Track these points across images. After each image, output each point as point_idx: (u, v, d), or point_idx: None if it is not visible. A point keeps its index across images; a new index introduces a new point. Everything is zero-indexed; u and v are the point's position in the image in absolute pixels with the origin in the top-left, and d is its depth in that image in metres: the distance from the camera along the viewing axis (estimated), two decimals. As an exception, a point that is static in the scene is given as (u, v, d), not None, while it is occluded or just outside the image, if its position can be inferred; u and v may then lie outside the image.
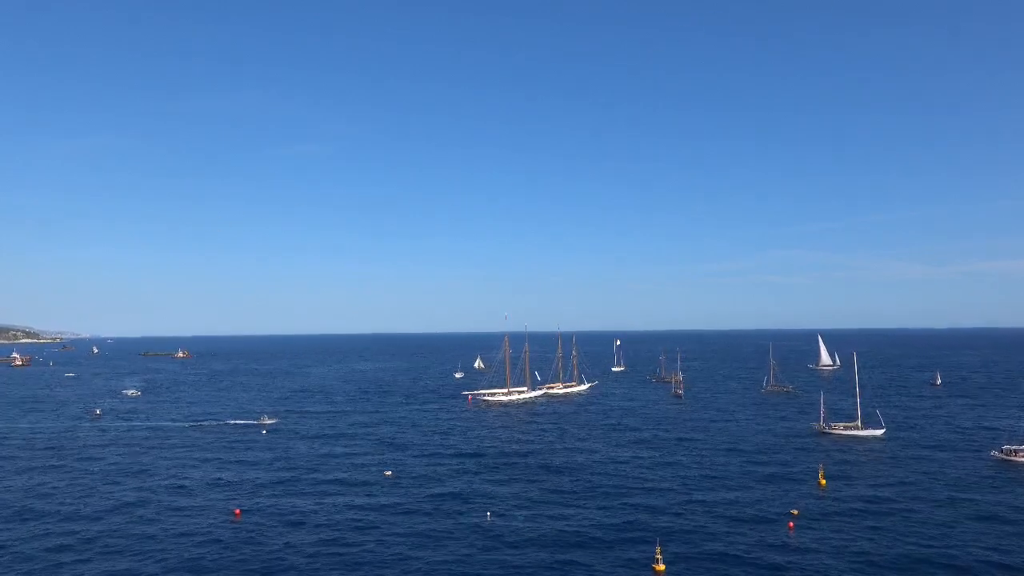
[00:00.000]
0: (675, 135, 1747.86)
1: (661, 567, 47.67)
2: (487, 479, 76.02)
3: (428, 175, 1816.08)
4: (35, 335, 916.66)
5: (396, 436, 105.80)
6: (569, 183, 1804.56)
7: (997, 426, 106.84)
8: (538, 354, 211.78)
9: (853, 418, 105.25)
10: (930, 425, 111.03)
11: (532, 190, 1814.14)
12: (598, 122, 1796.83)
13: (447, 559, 50.54)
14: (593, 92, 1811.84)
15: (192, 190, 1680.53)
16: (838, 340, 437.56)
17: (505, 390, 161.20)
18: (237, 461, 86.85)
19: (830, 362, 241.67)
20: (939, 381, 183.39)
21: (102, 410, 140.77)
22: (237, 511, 62.78)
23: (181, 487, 73.10)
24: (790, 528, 56.38)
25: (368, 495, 69.12)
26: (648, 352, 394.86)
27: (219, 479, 76.81)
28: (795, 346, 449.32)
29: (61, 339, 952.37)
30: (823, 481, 71.73)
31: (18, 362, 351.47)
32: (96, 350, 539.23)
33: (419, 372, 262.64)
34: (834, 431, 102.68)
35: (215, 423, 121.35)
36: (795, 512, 60.66)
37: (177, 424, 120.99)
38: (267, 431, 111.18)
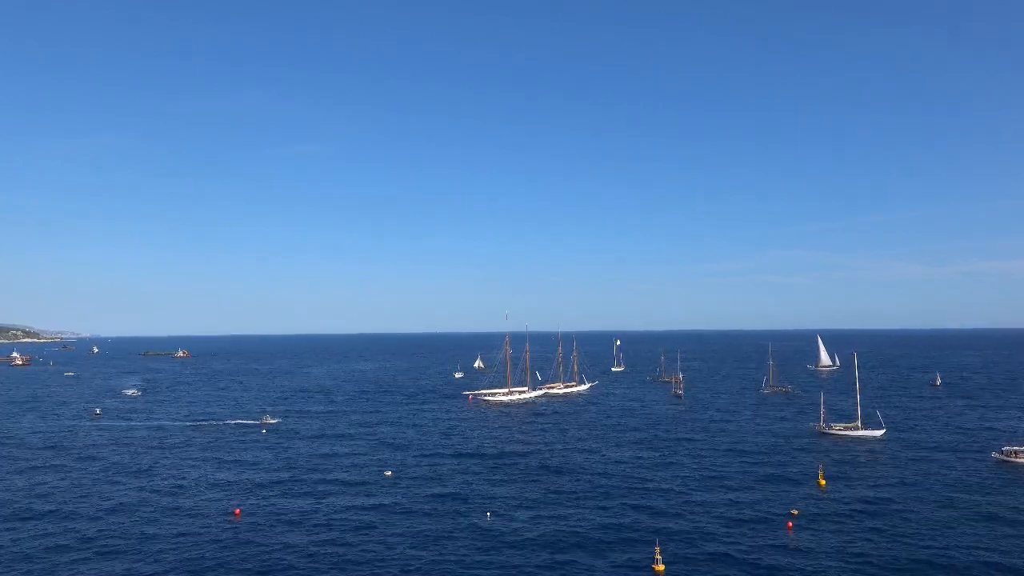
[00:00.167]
0: (675, 135, 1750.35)
1: (661, 567, 47.67)
2: (487, 479, 76.02)
3: (428, 175, 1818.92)
4: (35, 335, 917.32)
5: (396, 436, 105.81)
6: (569, 183, 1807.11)
7: (997, 427, 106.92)
8: (538, 354, 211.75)
9: (853, 418, 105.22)
10: (930, 426, 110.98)
11: (532, 190, 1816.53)
12: (598, 122, 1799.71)
13: (447, 559, 50.53)
14: (593, 92, 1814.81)
15: (192, 190, 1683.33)
16: (838, 340, 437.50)
17: (506, 390, 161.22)
18: (237, 461, 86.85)
19: (829, 362, 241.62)
20: (939, 382, 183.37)
21: (102, 410, 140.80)
22: (237, 511, 62.78)
23: (181, 487, 73.11)
24: (789, 529, 56.39)
25: (368, 495, 69.11)
26: (648, 352, 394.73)
27: (219, 479, 76.82)
28: (795, 346, 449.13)
29: (61, 339, 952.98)
30: (823, 482, 71.71)
31: (18, 362, 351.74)
32: (96, 350, 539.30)
33: (419, 372, 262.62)
34: (834, 432, 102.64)
35: (215, 423, 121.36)
36: (795, 512, 60.64)
37: (177, 424, 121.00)
38: (267, 431, 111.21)
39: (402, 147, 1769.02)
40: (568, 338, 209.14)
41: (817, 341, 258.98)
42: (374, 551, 52.41)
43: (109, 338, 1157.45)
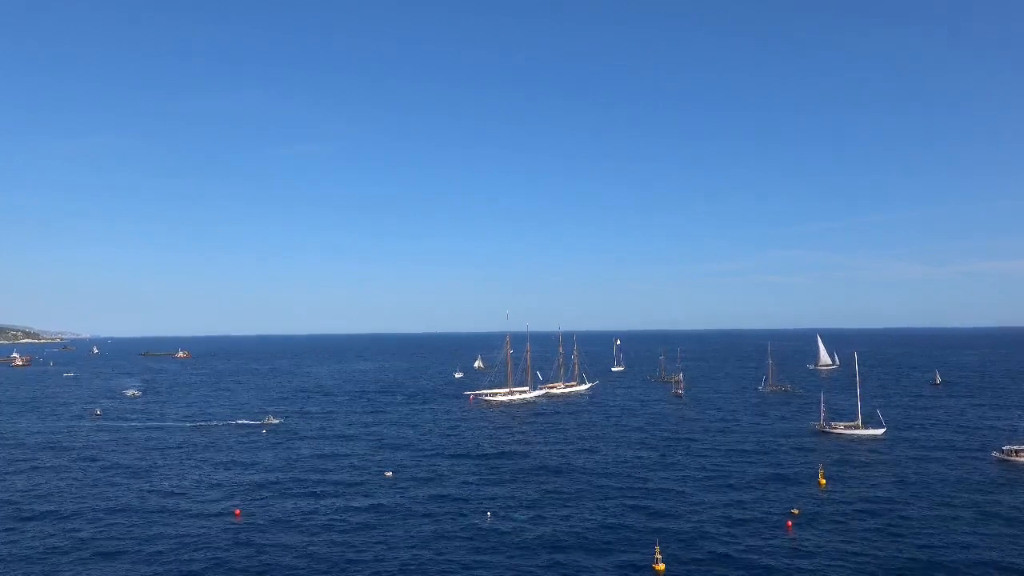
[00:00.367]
0: (675, 135, 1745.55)
1: (661, 567, 47.67)
2: (487, 479, 76.02)
3: (428, 175, 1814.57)
4: (35, 335, 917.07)
5: (396, 436, 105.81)
6: (569, 183, 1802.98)
7: (997, 426, 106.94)
8: (538, 354, 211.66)
9: (853, 417, 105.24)
10: (930, 425, 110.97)
11: (532, 190, 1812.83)
12: (598, 122, 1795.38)
13: (447, 559, 50.52)
14: (593, 92, 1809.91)
15: (192, 190, 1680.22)
16: (837, 340, 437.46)
17: (507, 390, 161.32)
18: (237, 461, 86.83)
19: (829, 362, 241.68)
20: (939, 380, 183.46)
21: (102, 410, 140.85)
22: (237, 511, 62.77)
23: (181, 487, 73.09)
24: (789, 528, 56.39)
25: (368, 495, 69.09)
26: (648, 352, 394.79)
27: (219, 479, 76.80)
28: (795, 346, 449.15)
29: (61, 339, 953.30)
30: (823, 481, 71.71)
31: (18, 362, 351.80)
32: (96, 350, 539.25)
33: (419, 372, 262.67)
34: (834, 431, 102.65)
35: (215, 423, 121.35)
36: (795, 512, 60.66)
37: (177, 424, 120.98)
38: (267, 431, 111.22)
39: (402, 147, 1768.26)
40: (568, 338, 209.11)
41: (817, 341, 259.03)
42: (374, 551, 52.40)
43: (109, 338, 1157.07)
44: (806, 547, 51.92)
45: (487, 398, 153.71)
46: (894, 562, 48.75)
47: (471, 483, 74.17)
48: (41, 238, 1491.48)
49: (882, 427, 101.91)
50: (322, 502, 66.63)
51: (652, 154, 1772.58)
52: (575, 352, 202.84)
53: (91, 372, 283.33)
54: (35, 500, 68.61)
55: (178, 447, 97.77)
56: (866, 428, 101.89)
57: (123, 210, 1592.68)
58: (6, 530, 58.68)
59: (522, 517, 60.76)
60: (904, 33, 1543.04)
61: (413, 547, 53.24)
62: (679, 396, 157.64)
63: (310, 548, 53.10)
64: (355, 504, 65.76)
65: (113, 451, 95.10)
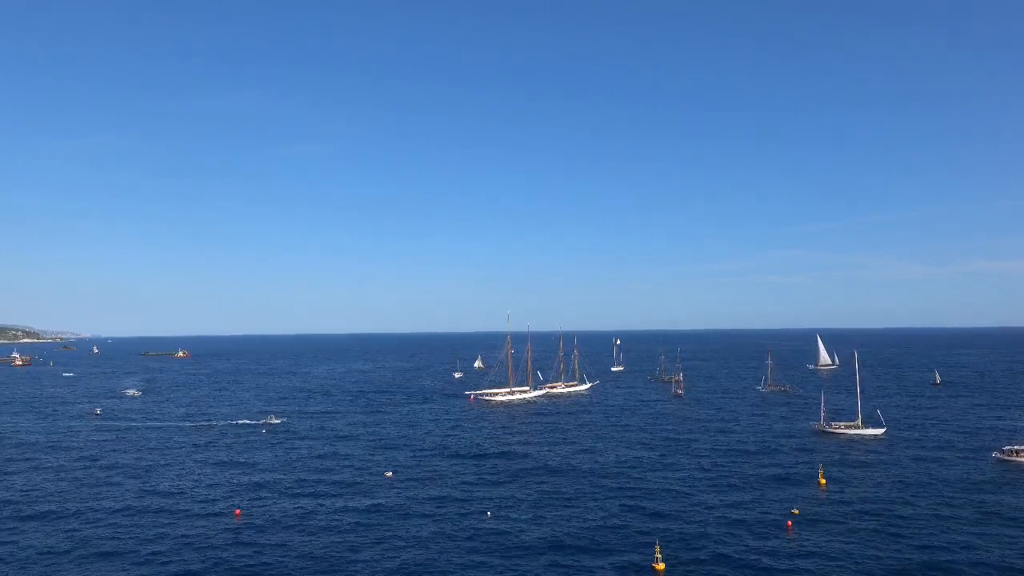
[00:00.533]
0: (675, 135, 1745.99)
1: (661, 567, 47.67)
2: (487, 479, 76.01)
3: (428, 175, 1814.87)
4: (35, 335, 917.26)
5: (396, 436, 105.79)
6: (569, 183, 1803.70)
7: (997, 426, 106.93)
8: (538, 354, 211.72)
9: (853, 418, 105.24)
10: (930, 425, 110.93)
11: (532, 190, 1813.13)
12: (598, 122, 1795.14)
13: (447, 559, 50.51)
14: (593, 92, 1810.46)
15: (192, 190, 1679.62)
16: (837, 340, 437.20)
17: (507, 390, 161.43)
18: (237, 461, 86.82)
19: (829, 362, 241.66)
20: (939, 380, 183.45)
21: (102, 410, 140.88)
22: (237, 511, 62.77)
23: (181, 487, 73.08)
24: (789, 528, 56.37)
25: (368, 496, 69.08)
26: (648, 352, 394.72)
27: (219, 479, 76.79)
28: (795, 346, 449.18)
29: (61, 339, 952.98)
30: (823, 481, 71.70)
31: (18, 362, 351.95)
32: (96, 350, 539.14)
33: (419, 372, 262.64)
34: (835, 431, 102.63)
35: (215, 423, 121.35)
36: (795, 512, 60.66)
37: (177, 424, 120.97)
38: (267, 431, 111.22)
39: (402, 147, 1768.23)
40: (568, 338, 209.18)
41: (817, 341, 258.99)
42: (374, 551, 52.38)
43: (109, 338, 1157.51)
44: (806, 547, 51.90)
45: (487, 398, 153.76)
46: (894, 562, 48.74)
47: (471, 483, 74.16)
48: (41, 238, 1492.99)
49: (882, 427, 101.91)
50: (322, 502, 66.62)
51: (652, 154, 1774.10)
52: (575, 352, 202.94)
53: (91, 372, 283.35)
54: (35, 500, 68.59)
55: (178, 447, 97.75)
56: (866, 428, 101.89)
57: (123, 210, 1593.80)
58: (6, 530, 58.68)
59: (522, 517, 60.70)
60: (904, 33, 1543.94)
61: (413, 547, 53.23)
62: (679, 396, 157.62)
63: (310, 548, 53.09)
64: (355, 504, 65.75)
65: (113, 451, 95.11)
